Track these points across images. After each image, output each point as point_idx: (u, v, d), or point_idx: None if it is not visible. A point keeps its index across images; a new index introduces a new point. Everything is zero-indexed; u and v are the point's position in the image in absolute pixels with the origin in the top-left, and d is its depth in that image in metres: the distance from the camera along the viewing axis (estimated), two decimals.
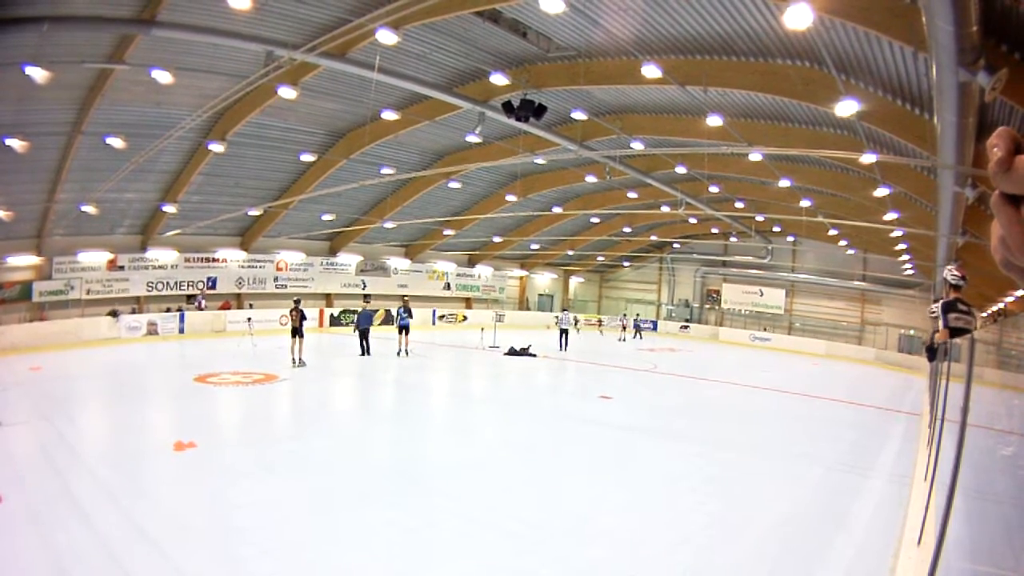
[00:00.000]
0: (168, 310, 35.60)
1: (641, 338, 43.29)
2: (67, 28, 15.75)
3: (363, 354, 25.88)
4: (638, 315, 48.80)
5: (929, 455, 9.32)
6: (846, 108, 14.87)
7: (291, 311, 23.18)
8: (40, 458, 10.82)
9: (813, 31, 13.33)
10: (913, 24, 10.54)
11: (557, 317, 36.62)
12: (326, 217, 37.99)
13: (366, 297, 43.49)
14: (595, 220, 46.26)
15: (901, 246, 33.11)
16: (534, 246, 50.69)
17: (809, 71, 16.49)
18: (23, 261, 31.05)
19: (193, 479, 9.80)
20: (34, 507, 8.16)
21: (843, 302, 47.21)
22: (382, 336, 33.47)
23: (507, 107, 19.95)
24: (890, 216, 25.38)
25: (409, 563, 7.07)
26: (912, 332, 41.72)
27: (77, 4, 15.68)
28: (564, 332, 32.85)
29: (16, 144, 21.43)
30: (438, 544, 7.63)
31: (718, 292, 52.62)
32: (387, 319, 42.75)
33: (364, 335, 26.53)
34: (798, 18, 11.49)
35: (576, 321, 36.03)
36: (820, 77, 16.14)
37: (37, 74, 16.30)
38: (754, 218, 38.41)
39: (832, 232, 36.58)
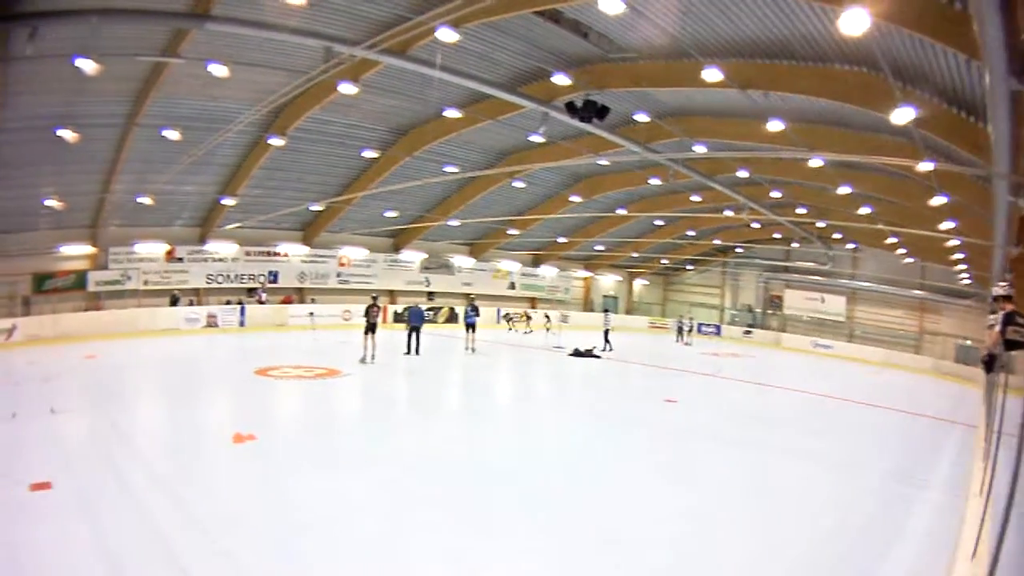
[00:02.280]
0: (228, 303, 36.07)
1: (688, 343, 42.22)
2: (117, 21, 16.27)
3: (408, 352, 24.62)
4: (683, 317, 47.52)
5: (985, 468, 9.16)
6: (903, 115, 14.57)
7: (371, 307, 22.73)
8: (92, 446, 11.00)
9: (869, 36, 13.13)
10: (966, 32, 10.45)
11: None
12: (389, 214, 38.36)
13: (430, 295, 44.22)
14: (659, 223, 46.03)
15: (958, 256, 32.46)
16: (598, 247, 50.47)
17: (866, 76, 16.31)
18: (77, 250, 31.66)
19: (251, 471, 9.90)
20: (84, 494, 8.25)
21: (902, 311, 46.30)
22: (447, 334, 34.12)
23: (570, 107, 19.54)
24: (947, 225, 24.84)
25: (470, 563, 7.02)
26: (969, 342, 40.60)
27: None
28: (606, 332, 32.27)
29: (68, 135, 21.58)
30: (499, 545, 7.59)
31: (780, 298, 51.94)
32: (451, 318, 43.30)
33: (414, 332, 25.32)
34: (853, 23, 11.37)
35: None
36: (877, 83, 15.89)
37: (87, 66, 16.06)
38: (815, 224, 37.90)
39: (891, 240, 36.00)
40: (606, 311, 34.53)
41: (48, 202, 27.78)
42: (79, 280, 31.55)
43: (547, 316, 39.30)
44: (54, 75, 19.09)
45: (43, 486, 8.34)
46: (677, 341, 42.77)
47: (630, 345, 36.04)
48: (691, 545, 7.99)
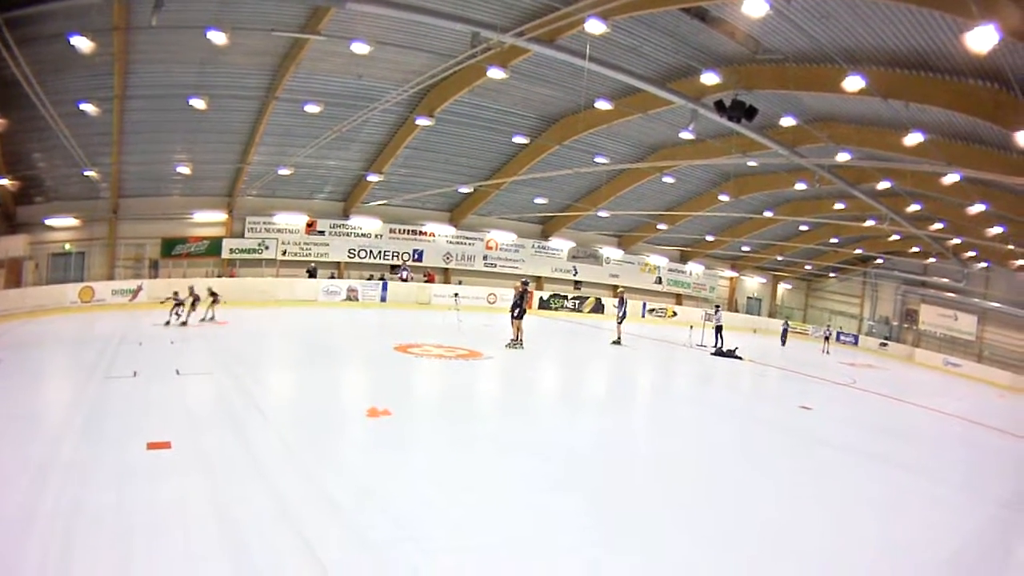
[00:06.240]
0: (370, 278, 36.82)
1: (828, 352, 40.82)
2: None
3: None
4: (788, 320, 47.11)
5: None
6: None
7: (521, 293, 21.82)
8: (218, 410, 10.99)
9: (998, 52, 13.56)
10: None
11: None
12: (539, 201, 39.09)
13: (577, 284, 45.66)
14: (804, 227, 45.64)
15: None
16: (745, 248, 50.29)
17: (997, 93, 16.51)
18: (211, 217, 33.04)
19: (384, 446, 9.67)
20: (205, 457, 8.16)
21: None
22: (591, 324, 34.68)
23: (719, 106, 18.64)
24: None
25: (597, 561, 6.46)
26: None
27: None
28: (719, 328, 30.01)
29: (200, 104, 22.89)
30: (626, 544, 6.95)
31: (916, 312, 51.08)
32: (597, 307, 44.12)
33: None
34: (981, 40, 11.69)
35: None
36: (1009, 101, 16.06)
37: (218, 38, 16.83)
38: (951, 240, 37.27)
39: (1021, 262, 35.10)
40: (717, 307, 33.70)
41: (180, 169, 28.91)
42: (213, 247, 32.93)
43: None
44: (185, 46, 20.24)
45: (162, 446, 8.31)
46: (783, 345, 40.83)
47: (769, 348, 35.84)
48: (818, 558, 7.26)
